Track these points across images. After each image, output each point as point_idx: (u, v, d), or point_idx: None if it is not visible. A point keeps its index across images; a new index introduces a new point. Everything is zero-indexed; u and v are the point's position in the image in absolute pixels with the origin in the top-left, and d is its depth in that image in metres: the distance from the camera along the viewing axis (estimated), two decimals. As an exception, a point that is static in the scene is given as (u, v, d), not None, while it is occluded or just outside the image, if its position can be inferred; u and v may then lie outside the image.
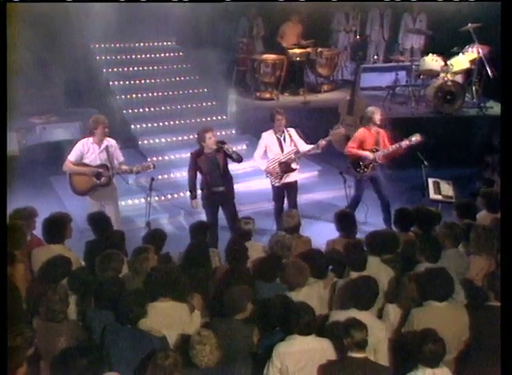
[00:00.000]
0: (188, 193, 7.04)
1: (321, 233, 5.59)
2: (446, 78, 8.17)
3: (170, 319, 3.48)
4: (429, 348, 2.90)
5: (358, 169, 6.11)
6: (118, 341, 3.22)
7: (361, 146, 6.05)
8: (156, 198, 6.55)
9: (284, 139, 5.92)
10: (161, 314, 3.46)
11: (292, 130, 5.97)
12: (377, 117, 5.99)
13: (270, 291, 3.75)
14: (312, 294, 3.76)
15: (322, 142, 5.80)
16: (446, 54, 8.54)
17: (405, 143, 5.87)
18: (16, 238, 4.08)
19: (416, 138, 5.85)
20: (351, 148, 6.06)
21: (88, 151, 5.45)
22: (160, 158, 7.69)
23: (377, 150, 6.01)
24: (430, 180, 6.07)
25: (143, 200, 6.40)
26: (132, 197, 6.85)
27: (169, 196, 7.00)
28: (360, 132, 6.11)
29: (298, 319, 3.18)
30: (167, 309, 3.50)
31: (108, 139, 5.55)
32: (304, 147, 5.95)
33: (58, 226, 4.33)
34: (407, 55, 9.70)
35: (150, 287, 3.59)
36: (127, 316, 3.28)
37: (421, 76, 8.77)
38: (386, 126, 6.43)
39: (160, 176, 7.12)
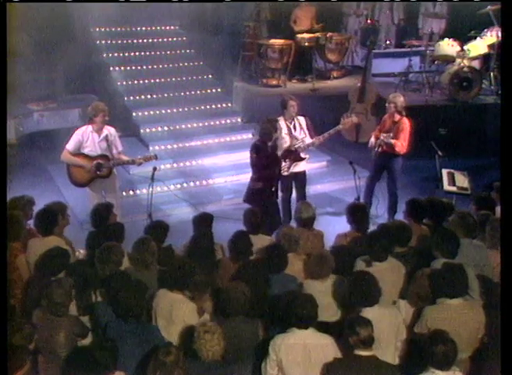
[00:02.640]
0: (191, 183, 7.18)
1: (330, 226, 5.56)
2: (462, 64, 8.04)
3: (171, 311, 3.48)
4: (440, 349, 2.86)
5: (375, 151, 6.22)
6: (125, 337, 3.21)
7: (382, 129, 6.18)
8: (158, 189, 6.51)
9: (294, 127, 5.87)
10: (164, 303, 3.47)
11: (302, 119, 5.93)
12: (389, 106, 6.02)
13: (278, 282, 3.74)
14: (335, 287, 3.75)
15: (327, 134, 5.87)
16: (463, 38, 8.39)
17: (384, 141, 5.95)
18: (15, 229, 4.06)
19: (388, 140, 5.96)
20: (375, 130, 6.26)
21: (87, 140, 5.38)
22: (163, 147, 7.66)
23: (377, 138, 6.09)
24: (444, 171, 6.01)
25: (144, 190, 6.41)
26: (133, 187, 6.84)
27: (172, 187, 6.98)
28: (386, 116, 6.25)
29: (295, 311, 3.16)
30: (172, 300, 3.50)
31: (108, 127, 5.50)
32: (309, 139, 5.90)
33: (51, 218, 4.29)
34: (425, 40, 9.53)
35: (163, 280, 3.60)
36: (130, 312, 3.27)
37: (436, 62, 8.63)
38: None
39: (163, 166, 7.09)
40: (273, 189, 5.50)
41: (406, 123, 6.00)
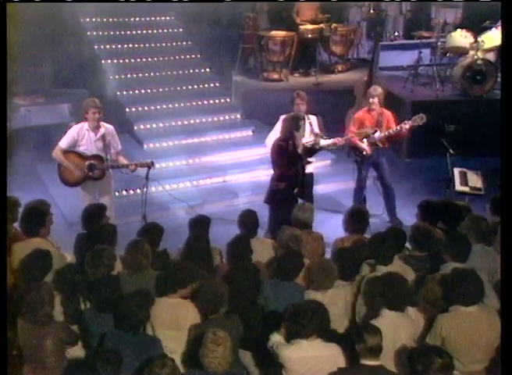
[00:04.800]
0: (188, 183, 7.16)
1: (334, 228, 5.53)
2: (475, 56, 8.00)
3: (176, 317, 3.50)
4: (438, 363, 2.86)
5: (358, 154, 6.13)
6: (122, 349, 3.18)
7: (362, 128, 6.12)
8: (153, 189, 6.49)
9: (304, 127, 5.82)
10: (167, 311, 3.48)
11: (313, 119, 5.91)
12: (373, 101, 6.02)
13: (286, 291, 3.75)
14: (338, 298, 3.75)
15: (341, 141, 5.84)
16: (477, 29, 8.35)
17: (405, 126, 5.91)
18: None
19: (421, 118, 5.88)
20: (351, 132, 6.11)
21: (83, 138, 5.35)
22: (157, 144, 7.64)
23: (376, 131, 6.03)
24: (456, 170, 5.98)
25: (139, 190, 6.38)
26: (127, 187, 6.80)
27: (168, 186, 6.95)
28: (360, 113, 6.22)
29: (302, 320, 3.15)
30: (174, 307, 3.52)
31: (106, 125, 5.46)
32: (322, 140, 5.86)
33: (37, 217, 4.27)
34: (438, 31, 9.47)
35: (162, 282, 3.62)
36: (129, 321, 3.27)
37: (448, 54, 8.62)
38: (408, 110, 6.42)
39: (158, 165, 7.05)
40: (295, 190, 5.46)
41: (387, 111, 6.16)
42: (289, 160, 5.35)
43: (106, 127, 5.44)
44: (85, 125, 5.36)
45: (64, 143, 5.34)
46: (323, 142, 5.86)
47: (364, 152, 6.05)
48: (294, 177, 5.40)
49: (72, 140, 5.34)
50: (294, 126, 5.34)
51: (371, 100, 6.04)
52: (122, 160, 5.57)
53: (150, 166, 5.56)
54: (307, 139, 5.80)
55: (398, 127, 5.96)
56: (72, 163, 5.34)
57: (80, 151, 5.37)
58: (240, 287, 3.61)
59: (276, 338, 3.31)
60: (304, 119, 5.81)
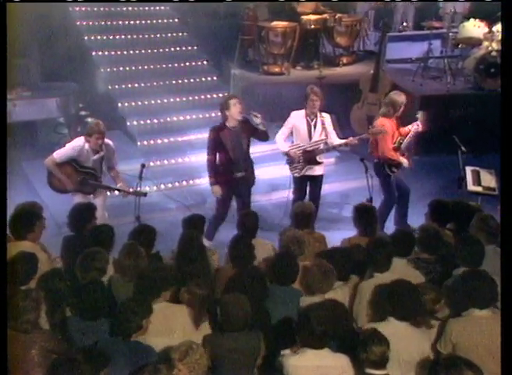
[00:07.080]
0: (184, 182, 7.14)
1: (339, 229, 5.54)
2: (490, 47, 8.00)
3: (167, 322, 3.48)
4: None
5: (394, 170, 6.04)
6: (116, 358, 3.16)
7: (395, 140, 5.99)
8: (147, 188, 6.49)
9: (315, 125, 5.81)
10: (157, 317, 3.45)
11: (326, 117, 5.89)
12: (401, 109, 5.90)
13: (283, 295, 3.74)
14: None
15: (353, 140, 5.81)
16: (491, 18, 8.31)
17: (419, 128, 5.90)
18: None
19: (420, 114, 5.95)
20: (389, 149, 5.88)
21: (81, 155, 5.38)
22: (152, 141, 7.65)
23: (403, 141, 5.96)
24: (468, 169, 5.98)
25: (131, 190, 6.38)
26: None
27: (163, 186, 6.95)
28: (388, 126, 5.91)
29: (309, 330, 3.14)
30: (164, 311, 3.50)
31: (107, 143, 5.48)
32: (334, 140, 5.87)
33: (26, 220, 4.24)
34: (447, 21, 9.48)
35: (141, 288, 3.59)
36: (123, 327, 3.26)
37: (460, 46, 8.61)
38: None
39: (152, 163, 7.07)
40: (239, 176, 5.53)
41: None
42: (226, 144, 5.42)
43: (107, 146, 5.48)
44: (86, 145, 5.38)
45: (60, 157, 5.35)
46: (336, 141, 5.86)
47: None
48: (233, 162, 5.46)
49: (69, 157, 5.37)
50: (225, 105, 5.41)
51: (400, 109, 5.86)
52: (117, 177, 5.63)
53: (143, 195, 5.56)
54: (318, 137, 5.80)
55: (413, 130, 5.88)
56: (65, 175, 5.38)
57: (75, 163, 5.39)
58: (246, 293, 3.55)
59: (286, 352, 3.33)
60: (317, 116, 5.79)
